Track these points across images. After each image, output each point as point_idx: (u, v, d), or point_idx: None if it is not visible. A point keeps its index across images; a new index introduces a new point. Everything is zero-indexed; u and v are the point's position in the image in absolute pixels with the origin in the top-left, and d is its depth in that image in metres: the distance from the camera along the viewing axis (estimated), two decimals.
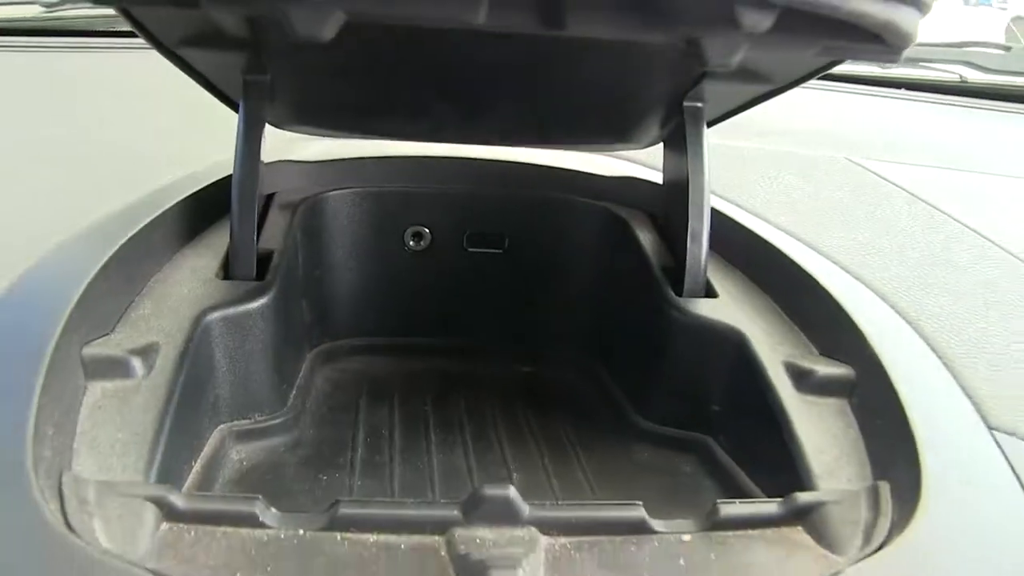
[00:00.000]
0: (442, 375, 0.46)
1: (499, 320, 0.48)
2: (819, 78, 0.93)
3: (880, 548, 0.27)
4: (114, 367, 0.31)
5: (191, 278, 0.37)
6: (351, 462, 0.38)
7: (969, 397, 0.35)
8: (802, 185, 0.53)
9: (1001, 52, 1.04)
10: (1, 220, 0.40)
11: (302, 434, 0.39)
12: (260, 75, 0.38)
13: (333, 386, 0.45)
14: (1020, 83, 1.01)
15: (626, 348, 0.43)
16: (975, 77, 1.02)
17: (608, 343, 0.45)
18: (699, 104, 0.41)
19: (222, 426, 0.36)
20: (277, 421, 0.39)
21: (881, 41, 0.28)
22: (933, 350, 0.37)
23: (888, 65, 1.05)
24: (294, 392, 0.41)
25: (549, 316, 0.48)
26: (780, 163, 0.57)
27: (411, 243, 0.47)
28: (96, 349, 0.31)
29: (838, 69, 0.99)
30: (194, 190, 0.41)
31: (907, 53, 0.93)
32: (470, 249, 0.48)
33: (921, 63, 1.04)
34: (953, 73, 1.02)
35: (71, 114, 0.58)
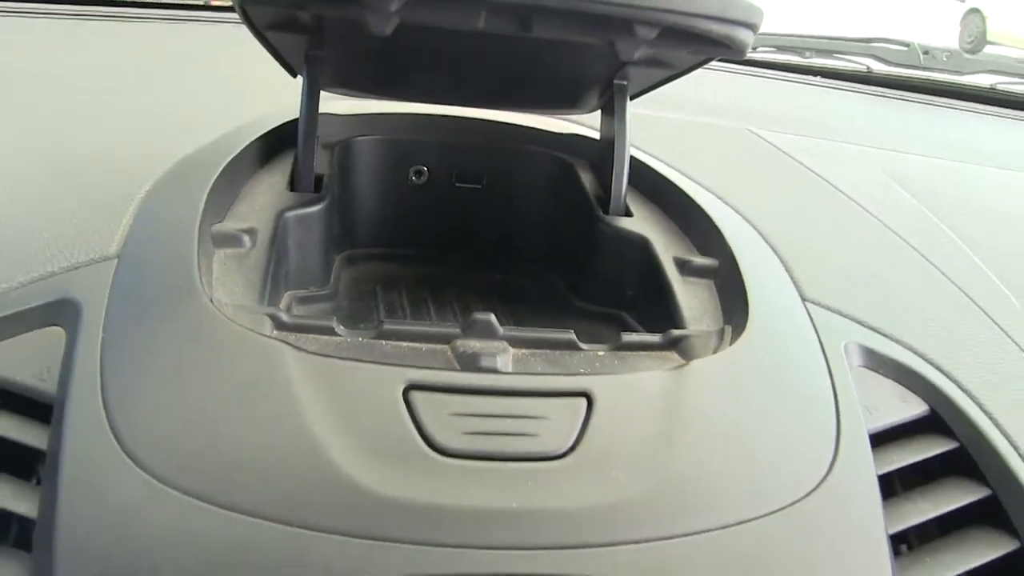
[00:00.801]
0: (436, 276, 0.63)
1: (478, 238, 0.65)
2: (744, 65, 1.10)
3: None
4: (232, 240, 0.47)
5: (269, 189, 0.53)
6: (377, 320, 0.54)
7: (793, 280, 0.53)
8: (703, 145, 0.70)
9: (902, 48, 1.21)
10: (132, 145, 0.56)
11: (340, 303, 0.56)
12: (319, 51, 0.53)
13: (356, 280, 0.61)
14: (914, 75, 1.19)
15: (570, 253, 0.60)
16: (879, 68, 1.20)
17: (557, 251, 0.62)
18: (624, 82, 0.57)
19: (289, 292, 0.53)
20: (324, 293, 0.55)
21: (727, 47, 0.45)
22: (773, 250, 0.55)
23: (808, 56, 1.23)
24: (331, 279, 0.58)
25: (515, 235, 0.64)
26: (690, 129, 0.74)
27: (413, 178, 0.63)
28: (220, 228, 0.47)
29: (764, 58, 1.17)
30: (265, 131, 0.57)
31: (823, 46, 1.11)
32: (457, 184, 0.64)
33: (835, 55, 1.22)
34: (861, 64, 1.20)
35: (153, 76, 0.73)
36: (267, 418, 0.37)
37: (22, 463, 0.39)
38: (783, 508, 0.39)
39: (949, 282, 0.58)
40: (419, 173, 0.63)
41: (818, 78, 1.15)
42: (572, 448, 0.39)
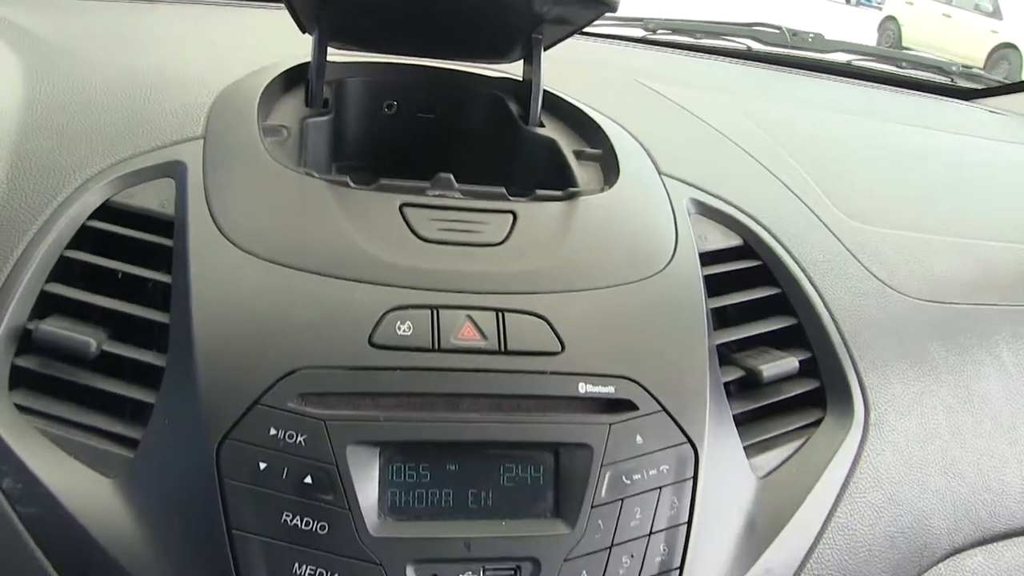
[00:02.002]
0: (404, 177, 0.85)
1: (432, 153, 0.86)
2: (642, 43, 1.36)
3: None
4: (276, 131, 0.69)
5: (292, 107, 0.75)
6: None
7: (653, 162, 0.77)
8: (598, 85, 0.94)
9: (775, 30, 1.48)
10: (193, 75, 0.77)
11: None
12: (328, 13, 0.75)
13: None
14: (785, 52, 1.46)
15: (500, 157, 0.83)
16: (757, 47, 1.46)
17: (490, 157, 0.83)
18: (540, 36, 0.80)
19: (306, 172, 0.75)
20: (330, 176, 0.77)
21: (606, 5, 0.69)
22: (641, 145, 0.79)
23: (698, 37, 1.48)
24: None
25: (460, 148, 0.85)
26: (587, 76, 0.98)
27: (386, 110, 0.85)
28: (268, 123, 0.70)
29: (660, 38, 1.41)
30: (284, 70, 0.79)
31: (710, 28, 1.39)
32: (418, 114, 0.86)
33: (721, 36, 1.47)
34: (743, 44, 1.46)
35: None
36: (315, 220, 0.60)
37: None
38: (641, 280, 0.63)
39: (765, 170, 0.83)
40: (390, 106, 0.85)
41: (708, 55, 1.41)
42: (504, 240, 0.62)
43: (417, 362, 0.56)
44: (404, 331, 0.56)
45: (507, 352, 0.57)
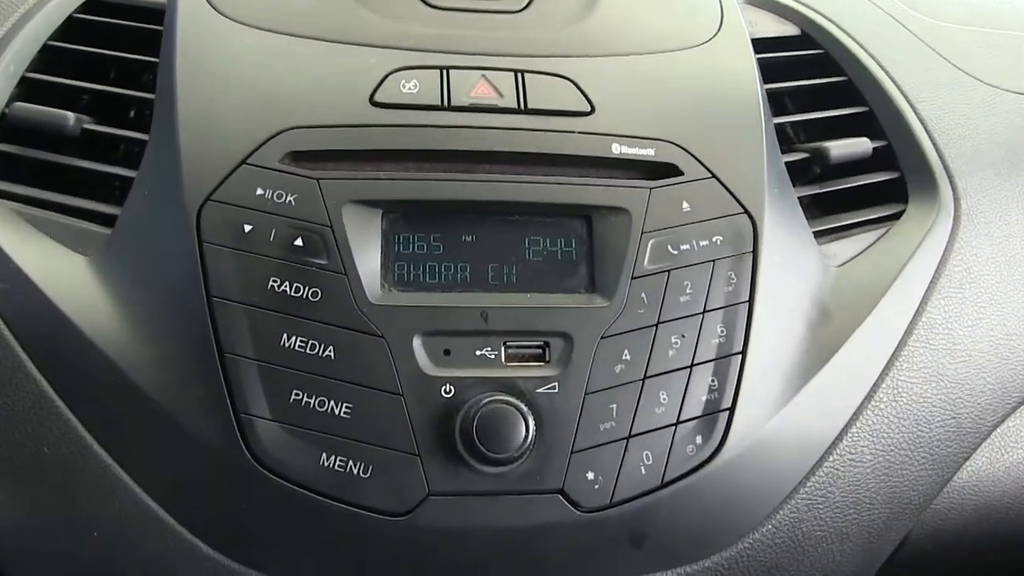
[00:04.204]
0: None
1: None
2: None
3: None
4: None
5: None
6: None
7: None
8: None
9: None
10: None
11: None
12: None
13: None
14: None
15: None
16: None
17: None
18: None
19: None
20: None
21: None
22: None
23: None
24: None
25: None
26: None
27: None
28: None
29: None
30: None
31: None
32: None
33: None
34: None
35: None
36: None
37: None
38: (682, 49, 0.56)
39: None
40: None
41: None
42: (524, 8, 0.55)
43: (425, 120, 0.49)
44: (410, 89, 0.50)
45: (527, 111, 0.50)
